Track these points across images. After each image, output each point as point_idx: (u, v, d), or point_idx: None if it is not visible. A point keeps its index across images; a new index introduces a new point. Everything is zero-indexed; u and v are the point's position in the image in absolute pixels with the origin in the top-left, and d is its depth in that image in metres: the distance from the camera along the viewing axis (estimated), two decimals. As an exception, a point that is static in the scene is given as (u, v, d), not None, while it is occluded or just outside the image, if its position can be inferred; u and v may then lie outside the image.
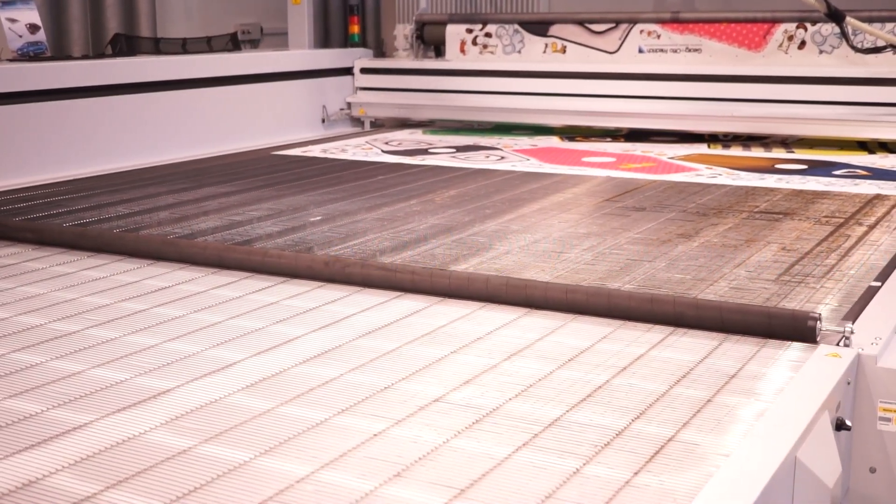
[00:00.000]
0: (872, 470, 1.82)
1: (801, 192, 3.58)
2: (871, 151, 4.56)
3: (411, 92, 5.63)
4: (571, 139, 5.15)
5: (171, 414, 1.65)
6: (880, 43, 4.74)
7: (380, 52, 6.46)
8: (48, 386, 1.79)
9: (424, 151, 4.71)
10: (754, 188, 3.67)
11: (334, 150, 4.80)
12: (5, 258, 2.70)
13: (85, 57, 4.99)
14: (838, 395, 1.72)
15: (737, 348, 1.94)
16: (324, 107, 5.56)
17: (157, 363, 1.90)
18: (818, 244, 2.75)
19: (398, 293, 2.33)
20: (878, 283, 2.33)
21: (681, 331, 2.05)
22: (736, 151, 4.69)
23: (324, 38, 6.25)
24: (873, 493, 1.82)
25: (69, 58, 4.94)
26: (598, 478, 1.42)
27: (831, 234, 2.89)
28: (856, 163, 4.26)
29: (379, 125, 5.80)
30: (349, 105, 5.74)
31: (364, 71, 5.77)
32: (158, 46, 5.22)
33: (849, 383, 1.79)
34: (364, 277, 2.41)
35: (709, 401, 1.69)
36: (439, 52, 5.91)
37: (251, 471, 1.45)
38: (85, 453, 1.51)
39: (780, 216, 3.14)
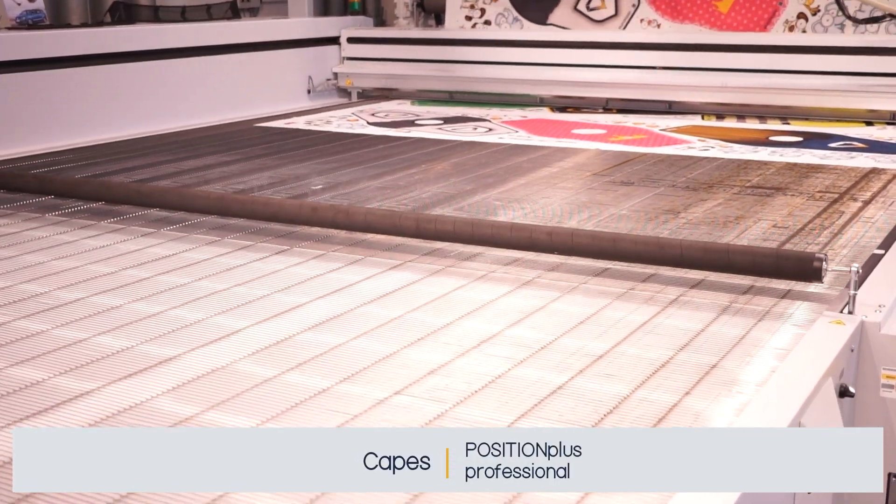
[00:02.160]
0: (875, 436, 1.82)
1: (794, 165, 3.46)
2: (870, 123, 4.45)
3: (399, 62, 5.48)
4: (562, 111, 5.00)
5: (176, 381, 1.65)
6: (878, 13, 4.65)
7: (380, 21, 6.41)
8: (53, 353, 1.79)
9: (411, 123, 4.56)
10: (747, 161, 3.53)
11: (319, 122, 4.66)
12: (6, 227, 2.70)
13: (83, 25, 4.96)
14: (842, 362, 1.72)
15: (741, 315, 1.95)
16: (309, 77, 5.39)
17: (162, 331, 1.90)
18: (810, 221, 2.67)
19: (400, 261, 2.33)
20: (882, 251, 2.33)
21: (684, 298, 2.05)
22: (730, 123, 4.56)
23: (323, 6, 6.19)
24: (876, 460, 1.83)
25: (68, 26, 4.91)
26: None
27: (825, 210, 2.80)
28: (853, 135, 4.12)
29: (367, 96, 5.63)
30: (336, 75, 5.57)
31: (351, 40, 5.60)
32: (158, 14, 5.18)
33: (852, 350, 1.79)
34: (367, 225, 2.46)
35: (713, 367, 1.69)
36: (440, 20, 5.86)
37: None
38: (90, 420, 1.51)
39: (772, 191, 3.04)
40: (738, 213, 2.75)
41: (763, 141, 3.99)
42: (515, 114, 4.86)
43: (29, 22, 4.39)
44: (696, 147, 3.85)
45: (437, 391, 1.61)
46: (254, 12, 6.33)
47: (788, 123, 4.45)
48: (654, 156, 3.67)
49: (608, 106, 5.01)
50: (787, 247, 2.42)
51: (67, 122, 4.17)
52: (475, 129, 4.38)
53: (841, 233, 2.56)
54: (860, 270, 1.93)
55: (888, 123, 4.40)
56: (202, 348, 1.81)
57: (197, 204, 2.73)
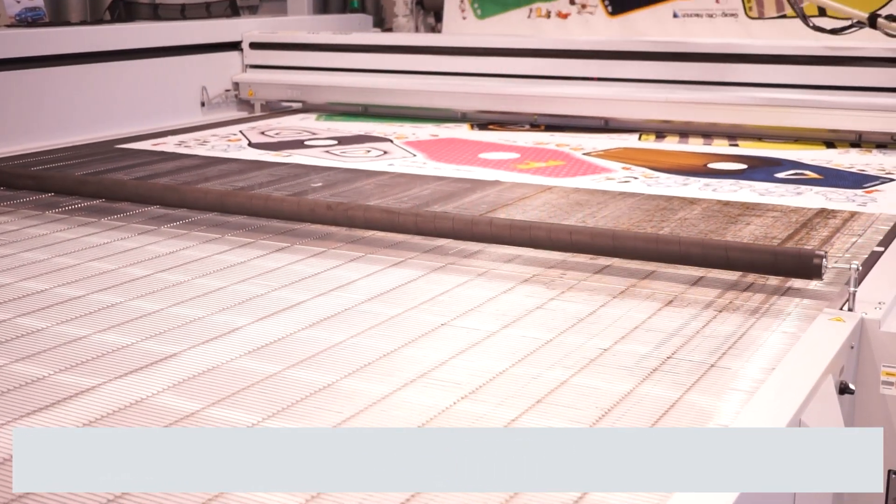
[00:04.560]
0: (875, 433, 1.83)
1: (727, 204, 2.80)
2: (831, 145, 3.82)
3: (307, 70, 4.90)
4: (484, 128, 4.35)
5: (176, 378, 1.66)
6: (843, 21, 3.94)
7: (379, 19, 6.42)
8: (53, 350, 1.79)
9: (299, 144, 3.96)
10: (670, 200, 2.86)
11: (193, 143, 4.00)
12: (6, 224, 2.70)
13: (83, 23, 4.96)
14: (842, 360, 1.73)
15: (741, 313, 1.95)
16: (203, 88, 4.75)
17: (162, 328, 1.90)
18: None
19: (400, 259, 2.33)
20: (882, 249, 2.33)
21: (684, 296, 2.06)
22: (669, 144, 3.91)
23: (323, 4, 6.19)
24: (875, 457, 1.83)
25: (67, 23, 4.91)
26: (603, 440, 1.42)
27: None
28: (808, 160, 3.51)
29: (273, 109, 5.03)
30: (237, 86, 4.95)
31: (254, 46, 4.99)
32: (157, 12, 5.18)
33: (852, 347, 1.79)
34: (367, 221, 2.46)
35: (713, 364, 1.70)
36: (440, 17, 5.86)
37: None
38: (91, 416, 1.52)
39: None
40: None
41: (699, 169, 3.38)
42: (426, 131, 4.25)
43: (28, 19, 4.39)
44: (616, 177, 3.22)
45: (438, 388, 1.61)
46: (253, 10, 6.33)
47: (737, 145, 3.85)
48: (558, 192, 2.99)
49: (536, 122, 4.40)
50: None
51: (78, 118, 4.16)
52: (368, 151, 3.78)
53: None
54: (860, 267, 1.93)
55: (852, 146, 3.78)
56: (202, 345, 1.81)
57: (197, 201, 2.73)
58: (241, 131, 4.31)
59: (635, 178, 3.22)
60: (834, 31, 3.91)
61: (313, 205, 2.57)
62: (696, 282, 2.15)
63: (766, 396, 1.52)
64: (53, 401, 1.57)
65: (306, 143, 4.00)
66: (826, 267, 2.03)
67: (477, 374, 1.66)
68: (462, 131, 4.28)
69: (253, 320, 1.94)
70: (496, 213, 2.70)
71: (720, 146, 3.84)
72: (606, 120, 4.25)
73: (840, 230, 2.52)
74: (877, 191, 3.00)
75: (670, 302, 2.02)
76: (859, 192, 2.97)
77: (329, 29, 5.42)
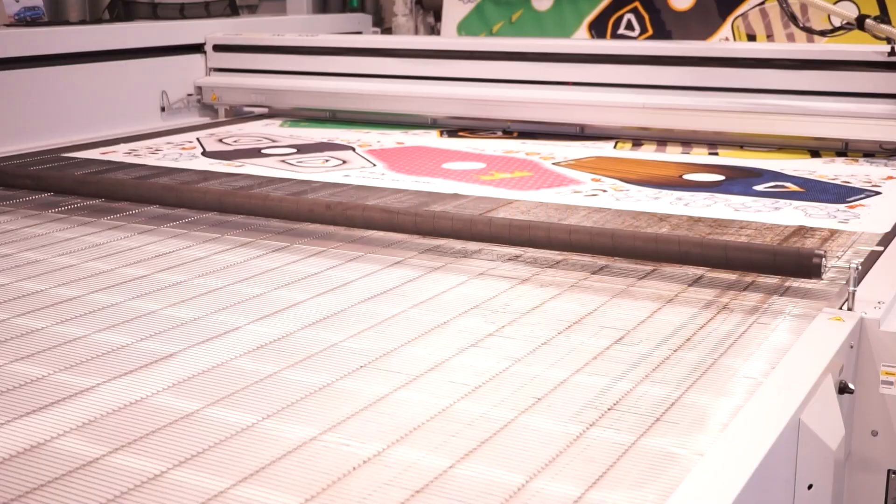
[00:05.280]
0: (874, 433, 1.82)
1: (697, 221, 2.57)
2: (816, 154, 3.60)
3: (273, 74, 4.67)
4: (455, 134, 4.12)
5: (175, 378, 1.65)
6: (837, 21, 3.81)
7: (378, 18, 6.42)
8: (52, 350, 1.79)
9: (256, 153, 3.71)
10: (636, 217, 2.62)
11: (144, 151, 3.75)
12: (5, 224, 2.70)
13: (82, 22, 4.96)
14: (841, 359, 1.72)
15: (740, 312, 1.95)
16: (163, 93, 4.50)
17: (161, 328, 1.90)
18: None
19: (399, 258, 2.33)
20: (881, 248, 2.33)
21: (683, 295, 2.05)
22: (646, 153, 3.67)
23: (322, 3, 6.19)
24: (875, 456, 1.83)
25: (66, 23, 4.91)
26: (602, 440, 1.42)
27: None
28: (790, 171, 3.28)
29: (238, 114, 4.81)
30: (200, 90, 4.71)
31: (218, 48, 4.74)
32: (156, 11, 5.18)
33: (852, 347, 1.79)
34: (366, 221, 2.46)
35: (712, 364, 1.69)
36: (439, 17, 5.85)
37: (256, 433, 1.46)
38: (90, 416, 1.51)
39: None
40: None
41: (673, 181, 3.15)
42: (392, 139, 4.01)
43: (27, 19, 4.38)
44: (583, 190, 2.99)
45: (438, 388, 1.61)
46: (253, 9, 6.33)
47: (717, 153, 3.63)
48: (519, 206, 2.75)
49: (509, 129, 4.17)
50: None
51: (76, 118, 4.14)
52: (326, 161, 3.55)
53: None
54: (859, 267, 1.93)
55: (838, 154, 3.57)
56: (201, 345, 1.81)
57: (196, 201, 2.73)
58: (197, 138, 4.06)
59: (604, 190, 2.99)
60: (823, 33, 3.82)
61: (312, 204, 2.57)
62: (696, 281, 2.15)
63: (765, 396, 1.51)
64: (52, 401, 1.57)
65: (263, 151, 3.77)
66: (826, 266, 2.02)
67: (476, 374, 1.66)
68: (430, 138, 4.05)
69: (251, 320, 1.94)
70: (448, 228, 2.47)
71: (699, 155, 3.62)
72: (582, 126, 4.05)
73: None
74: (860, 205, 2.79)
75: (669, 301, 2.02)
76: (842, 206, 2.77)
77: (328, 29, 5.40)
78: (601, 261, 2.27)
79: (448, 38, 4.82)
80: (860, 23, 3.59)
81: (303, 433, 1.45)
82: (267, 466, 1.35)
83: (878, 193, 2.96)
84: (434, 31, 5.83)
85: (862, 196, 2.92)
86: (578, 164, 3.44)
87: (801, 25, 3.90)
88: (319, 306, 2.01)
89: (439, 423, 1.49)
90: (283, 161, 3.57)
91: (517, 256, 2.33)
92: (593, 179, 3.18)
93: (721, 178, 3.21)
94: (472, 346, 1.79)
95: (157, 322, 1.93)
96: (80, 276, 2.23)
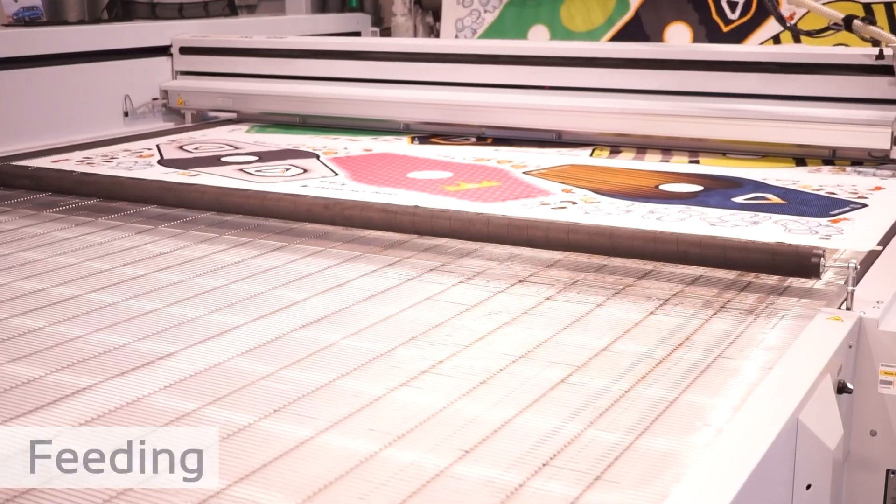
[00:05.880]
0: (873, 433, 1.82)
1: (653, 240, 2.27)
2: (802, 161, 3.38)
3: (242, 78, 4.42)
4: (427, 140, 3.90)
5: (172, 378, 1.65)
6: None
7: (378, 18, 6.41)
8: (49, 350, 1.78)
9: (215, 161, 3.49)
10: (598, 233, 2.33)
11: (98, 159, 3.52)
12: (3, 223, 2.69)
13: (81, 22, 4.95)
14: (840, 359, 1.72)
15: (739, 311, 1.94)
16: (126, 97, 4.27)
17: (158, 327, 1.89)
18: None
19: (397, 258, 2.33)
20: (880, 248, 2.32)
21: (682, 294, 2.05)
22: (624, 160, 3.46)
23: (321, 3, 6.19)
24: (874, 456, 1.83)
25: (65, 23, 4.90)
26: (599, 441, 1.42)
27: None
28: (773, 180, 3.05)
29: (205, 119, 4.57)
30: (165, 94, 4.46)
31: (184, 51, 4.51)
32: (155, 11, 5.17)
33: (850, 346, 1.79)
34: (364, 221, 2.46)
35: (711, 363, 1.69)
36: (438, 17, 5.84)
37: (253, 433, 1.45)
38: (87, 416, 1.51)
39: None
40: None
41: (648, 192, 2.93)
42: (361, 145, 3.79)
43: (26, 19, 4.38)
44: (552, 202, 2.77)
45: (435, 387, 1.61)
46: (252, 9, 6.33)
47: (697, 161, 3.42)
48: (469, 222, 2.42)
49: (484, 135, 3.95)
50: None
51: (74, 118, 4.09)
52: (286, 170, 3.33)
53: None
54: (858, 266, 1.93)
55: (825, 163, 3.35)
56: (199, 345, 1.80)
57: (195, 201, 2.73)
58: (157, 145, 3.84)
59: (574, 202, 2.78)
60: (810, 33, 3.63)
61: (310, 204, 2.57)
62: (694, 281, 2.14)
63: (763, 396, 1.51)
64: (49, 400, 1.57)
65: (223, 159, 3.53)
66: (824, 266, 2.02)
67: (473, 374, 1.66)
68: (400, 145, 3.82)
69: (249, 320, 1.93)
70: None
71: (678, 163, 3.39)
72: (559, 133, 3.81)
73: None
74: (844, 220, 2.57)
75: (668, 301, 2.02)
76: (824, 221, 2.54)
77: (326, 29, 5.38)
78: (599, 260, 2.27)
79: (422, 41, 4.64)
80: (847, 23, 3.41)
81: (300, 433, 1.45)
82: (264, 466, 1.35)
83: (863, 206, 2.73)
84: (433, 31, 5.83)
85: (846, 209, 2.70)
86: (550, 174, 3.23)
87: (787, 25, 3.78)
88: (317, 306, 2.01)
89: (437, 422, 1.48)
90: (242, 170, 3.33)
91: (515, 256, 2.33)
92: (564, 190, 2.95)
93: (699, 188, 2.98)
94: (470, 346, 1.79)
95: (155, 322, 1.93)
96: (78, 275, 2.23)
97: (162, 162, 3.51)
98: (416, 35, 5.82)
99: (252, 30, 4.85)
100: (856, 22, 3.38)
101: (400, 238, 2.46)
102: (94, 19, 5.14)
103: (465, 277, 2.19)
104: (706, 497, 1.20)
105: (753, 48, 3.88)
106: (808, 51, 3.63)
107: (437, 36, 5.58)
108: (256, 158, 3.57)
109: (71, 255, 2.40)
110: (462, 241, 2.41)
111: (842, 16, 3.42)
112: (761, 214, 2.62)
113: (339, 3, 6.26)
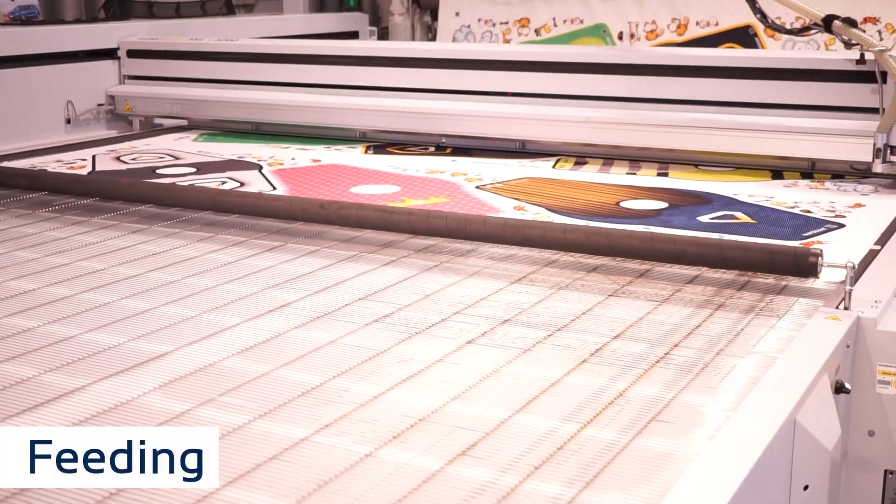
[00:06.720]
0: (871, 433, 1.81)
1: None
2: (778, 174, 3.20)
3: (192, 83, 4.23)
4: (382, 150, 3.75)
5: (166, 377, 1.64)
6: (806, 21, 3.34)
7: (375, 18, 6.40)
8: (43, 350, 1.77)
9: (149, 173, 3.33)
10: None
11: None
12: (-2, 223, 2.69)
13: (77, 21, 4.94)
14: (838, 359, 1.71)
15: (736, 311, 1.93)
16: (68, 103, 4.07)
17: (152, 327, 1.88)
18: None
19: (393, 258, 2.32)
20: (878, 247, 2.32)
21: (679, 294, 2.04)
22: (588, 172, 3.28)
23: (319, 2, 6.18)
24: (871, 456, 1.82)
25: (61, 21, 4.89)
26: (596, 441, 1.41)
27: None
28: (744, 196, 2.87)
29: (153, 126, 4.39)
30: (112, 99, 4.28)
31: (132, 54, 4.32)
32: (152, 10, 5.16)
33: (848, 346, 1.78)
34: (360, 220, 2.45)
35: (708, 363, 1.68)
36: (435, 16, 5.83)
37: (248, 434, 1.44)
38: (79, 417, 1.50)
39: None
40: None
41: (607, 210, 2.74)
42: (310, 155, 3.63)
43: (22, 17, 4.37)
44: None
45: (431, 388, 1.60)
46: (249, 8, 6.32)
47: (667, 174, 3.22)
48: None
49: (444, 144, 3.77)
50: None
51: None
52: (223, 183, 3.14)
53: None
54: (856, 266, 1.92)
55: (804, 175, 3.17)
56: (193, 345, 1.79)
57: (189, 200, 2.73)
58: (93, 156, 3.66)
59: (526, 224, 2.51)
60: (791, 32, 3.47)
61: (306, 203, 2.56)
62: (692, 280, 2.13)
63: (761, 395, 1.50)
64: (42, 401, 1.56)
65: (158, 171, 3.37)
66: (822, 265, 2.01)
67: (470, 374, 1.65)
68: (352, 155, 3.65)
69: (244, 319, 1.92)
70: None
71: (646, 175, 3.21)
72: (523, 142, 3.64)
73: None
74: (818, 243, 2.38)
75: (665, 300, 2.01)
76: (796, 244, 2.34)
77: (325, 28, 5.35)
78: (596, 260, 2.26)
79: (382, 44, 4.47)
80: (827, 24, 3.16)
81: (295, 433, 1.44)
82: (258, 467, 1.34)
83: (840, 227, 2.54)
84: (430, 30, 5.82)
85: (821, 230, 2.50)
86: (505, 188, 3.04)
87: (769, 23, 3.56)
88: (313, 305, 2.00)
89: (432, 423, 1.47)
90: (174, 184, 3.11)
91: (511, 256, 2.32)
92: (515, 208, 2.76)
93: (663, 205, 2.78)
94: (466, 346, 1.78)
95: (149, 321, 1.92)
96: (71, 275, 2.22)
97: (91, 174, 3.34)
98: (413, 35, 5.82)
99: (223, 32, 4.62)
100: (836, 23, 3.14)
101: (395, 238, 2.45)
102: (91, 18, 5.13)
103: (460, 277, 2.18)
104: (703, 498, 1.19)
105: (727, 52, 3.71)
106: (786, 56, 3.47)
107: (434, 37, 5.58)
108: (194, 170, 3.39)
109: (65, 254, 2.39)
110: (458, 241, 2.40)
111: (822, 15, 3.18)
112: (727, 236, 2.35)
113: (337, 2, 6.25)
